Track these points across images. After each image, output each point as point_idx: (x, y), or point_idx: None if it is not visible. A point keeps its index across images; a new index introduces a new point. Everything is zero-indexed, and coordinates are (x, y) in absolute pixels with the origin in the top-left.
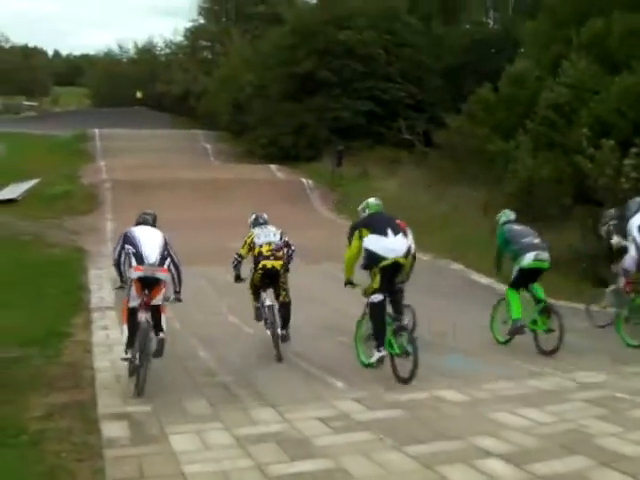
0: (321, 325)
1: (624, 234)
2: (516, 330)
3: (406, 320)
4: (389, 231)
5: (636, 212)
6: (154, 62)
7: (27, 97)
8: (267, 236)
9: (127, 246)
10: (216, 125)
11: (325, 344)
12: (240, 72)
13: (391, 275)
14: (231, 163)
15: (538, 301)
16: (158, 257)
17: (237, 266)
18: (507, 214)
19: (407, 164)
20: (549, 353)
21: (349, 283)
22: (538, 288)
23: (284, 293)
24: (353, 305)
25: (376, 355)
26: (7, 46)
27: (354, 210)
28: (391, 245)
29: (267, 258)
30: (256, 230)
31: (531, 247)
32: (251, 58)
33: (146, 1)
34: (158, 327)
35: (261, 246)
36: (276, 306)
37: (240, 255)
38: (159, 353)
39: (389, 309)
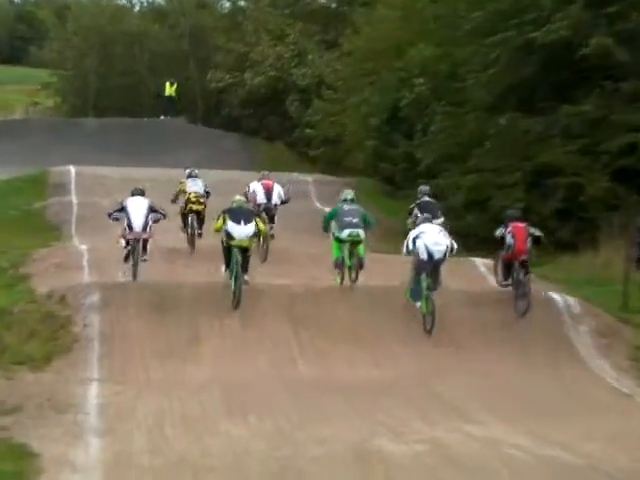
0: None
1: None
2: (336, 264)
3: None
4: None
5: None
6: (201, 25)
7: None
8: (195, 186)
9: (121, 214)
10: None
11: None
12: (402, 47)
13: None
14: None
15: (351, 255)
16: (142, 224)
17: (174, 200)
18: (345, 194)
19: None
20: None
21: None
22: (360, 249)
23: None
24: None
25: None
26: None
27: None
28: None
29: (194, 203)
30: (188, 181)
31: (348, 225)
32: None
33: None
34: (145, 250)
35: (190, 193)
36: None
37: (177, 196)
38: (144, 260)
39: None
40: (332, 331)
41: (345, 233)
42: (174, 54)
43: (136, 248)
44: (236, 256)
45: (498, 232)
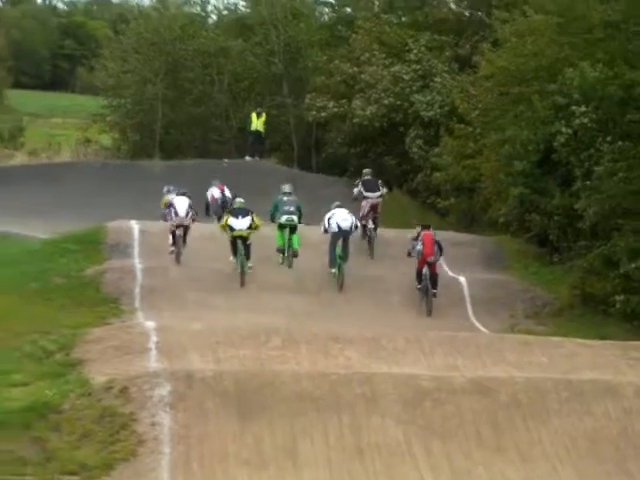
0: None
1: None
2: (278, 250)
3: None
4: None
5: None
6: (297, 39)
7: None
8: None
9: (170, 209)
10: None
11: None
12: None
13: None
14: (542, 332)
15: (289, 240)
16: (184, 214)
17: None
18: (283, 188)
19: None
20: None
21: None
22: (294, 237)
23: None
24: None
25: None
26: None
27: None
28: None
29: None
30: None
31: (285, 212)
32: None
33: None
34: (185, 239)
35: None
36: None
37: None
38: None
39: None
40: (474, 443)
41: (283, 218)
42: (262, 77)
43: (180, 237)
44: (239, 247)
45: None
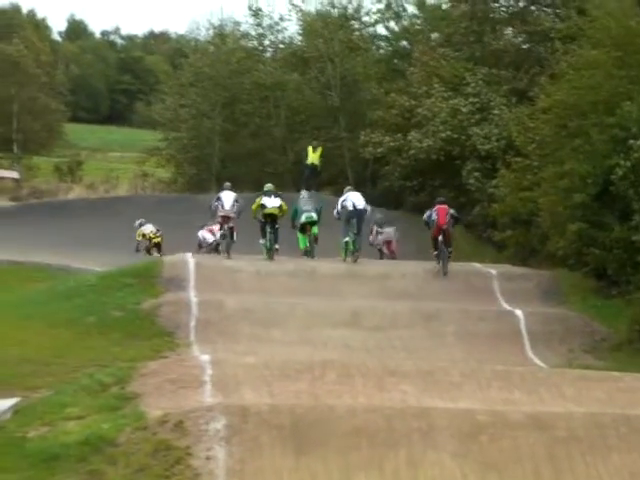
0: None
1: None
2: (302, 253)
3: None
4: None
5: None
6: (353, 72)
7: None
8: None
9: (218, 202)
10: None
11: None
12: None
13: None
14: (600, 367)
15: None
16: (230, 206)
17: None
18: (301, 195)
19: None
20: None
21: None
22: (314, 229)
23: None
24: None
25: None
26: None
27: None
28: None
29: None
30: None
31: (304, 212)
32: None
33: None
34: (232, 235)
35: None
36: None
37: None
38: (232, 242)
39: None
40: (532, 478)
41: (303, 217)
42: (318, 110)
43: (227, 231)
44: (268, 229)
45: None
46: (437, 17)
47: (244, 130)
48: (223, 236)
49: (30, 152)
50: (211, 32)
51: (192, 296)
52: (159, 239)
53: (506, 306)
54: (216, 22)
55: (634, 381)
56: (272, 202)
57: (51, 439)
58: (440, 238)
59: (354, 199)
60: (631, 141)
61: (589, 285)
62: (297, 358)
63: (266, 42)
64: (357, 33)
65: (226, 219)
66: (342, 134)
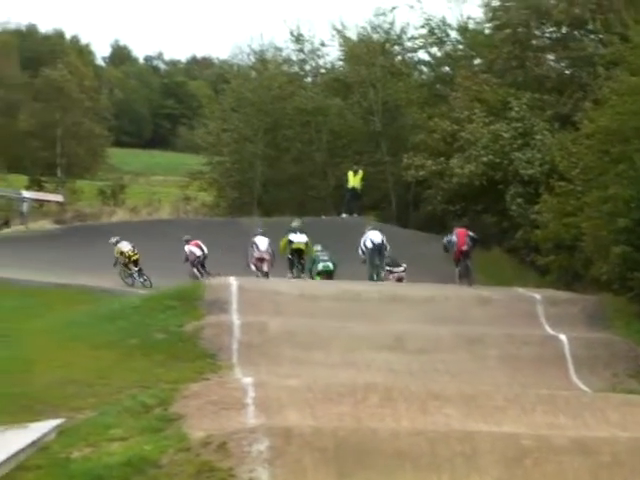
0: None
1: None
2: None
3: None
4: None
5: None
6: (395, 97)
7: (35, 181)
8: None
9: (254, 246)
10: None
11: None
12: None
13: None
14: None
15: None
16: (264, 249)
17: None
18: (315, 247)
19: None
20: None
21: None
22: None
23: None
24: None
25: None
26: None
27: None
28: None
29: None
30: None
31: (321, 261)
32: None
33: None
34: (266, 274)
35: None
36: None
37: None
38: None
39: None
40: None
41: (320, 266)
42: (360, 135)
43: (262, 268)
44: (296, 262)
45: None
46: (479, 43)
47: (286, 155)
48: (258, 270)
49: (74, 176)
50: (252, 57)
51: (235, 318)
52: (137, 256)
53: (550, 331)
54: (257, 48)
55: None
56: (299, 238)
57: (94, 460)
58: (461, 259)
59: (372, 237)
60: None
61: (634, 310)
62: (340, 381)
63: (307, 67)
64: (399, 58)
65: (261, 260)
66: (385, 158)
